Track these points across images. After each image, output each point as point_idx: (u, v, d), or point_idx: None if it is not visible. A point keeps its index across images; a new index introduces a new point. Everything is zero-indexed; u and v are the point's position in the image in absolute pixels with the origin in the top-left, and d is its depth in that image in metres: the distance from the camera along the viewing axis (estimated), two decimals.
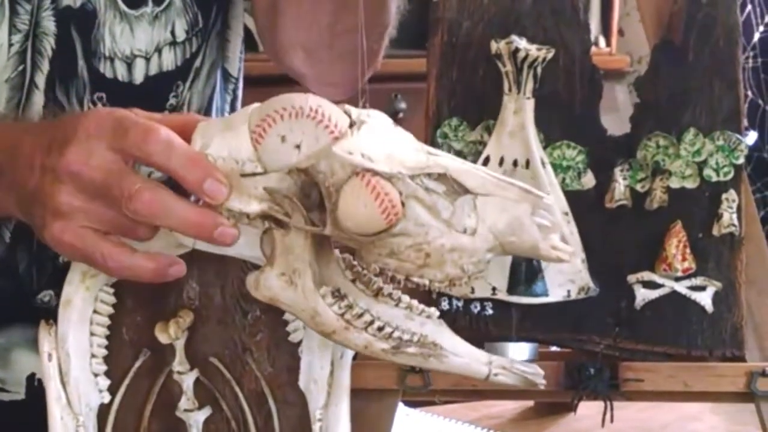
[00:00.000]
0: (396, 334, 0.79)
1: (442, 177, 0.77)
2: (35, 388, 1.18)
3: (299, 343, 0.93)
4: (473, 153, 1.04)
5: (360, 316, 0.79)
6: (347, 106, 0.79)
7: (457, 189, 0.77)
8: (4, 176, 0.88)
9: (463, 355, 0.80)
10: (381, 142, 0.79)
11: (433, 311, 0.80)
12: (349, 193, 0.76)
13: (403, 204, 0.75)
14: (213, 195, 0.78)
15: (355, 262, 0.81)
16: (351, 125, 0.78)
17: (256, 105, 0.79)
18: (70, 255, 0.84)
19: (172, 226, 0.79)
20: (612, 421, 1.04)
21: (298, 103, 0.79)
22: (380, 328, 0.79)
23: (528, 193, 0.76)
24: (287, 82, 1.33)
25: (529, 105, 1.02)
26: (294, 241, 0.80)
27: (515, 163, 1.03)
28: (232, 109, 1.36)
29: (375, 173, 0.76)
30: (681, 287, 1.01)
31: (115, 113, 0.81)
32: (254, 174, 0.79)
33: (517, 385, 0.80)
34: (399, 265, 0.77)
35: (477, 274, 0.78)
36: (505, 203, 0.78)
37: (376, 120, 0.80)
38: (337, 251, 0.82)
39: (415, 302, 0.80)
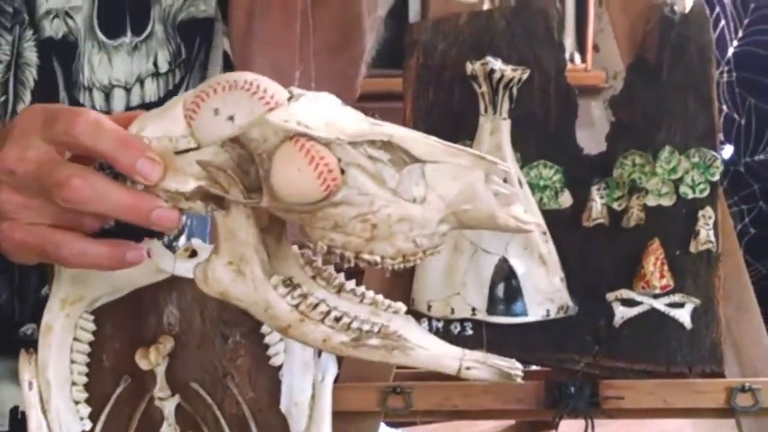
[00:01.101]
0: (355, 324, 0.76)
1: (386, 145, 0.74)
2: (19, 421, 1.17)
3: (280, 366, 0.94)
4: None
5: (315, 306, 0.76)
6: (292, 87, 0.77)
7: (403, 157, 0.74)
8: None
9: (431, 349, 0.75)
10: (320, 111, 0.76)
11: (401, 306, 0.76)
12: (281, 159, 0.73)
13: (343, 172, 0.72)
14: (146, 175, 0.77)
15: (315, 258, 0.77)
16: (290, 99, 0.76)
17: (192, 93, 0.79)
18: (24, 254, 0.83)
19: (108, 212, 0.78)
20: None
21: (232, 77, 0.78)
22: (338, 319, 0.75)
23: (481, 159, 0.73)
24: None
25: (506, 125, 1.03)
26: (237, 223, 0.77)
27: None
28: None
29: (309, 138, 0.73)
30: (659, 304, 1.02)
31: (46, 106, 0.82)
32: (188, 150, 0.77)
33: (492, 379, 0.75)
34: (346, 240, 0.73)
35: (431, 250, 0.73)
36: (457, 170, 0.74)
37: (321, 96, 0.78)
38: (295, 247, 0.78)
39: (380, 297, 0.76)
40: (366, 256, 0.73)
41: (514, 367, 0.75)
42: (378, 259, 0.72)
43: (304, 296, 0.76)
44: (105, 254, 0.81)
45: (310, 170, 0.71)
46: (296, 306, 0.75)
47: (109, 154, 0.78)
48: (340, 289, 0.77)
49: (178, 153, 0.77)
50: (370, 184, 0.72)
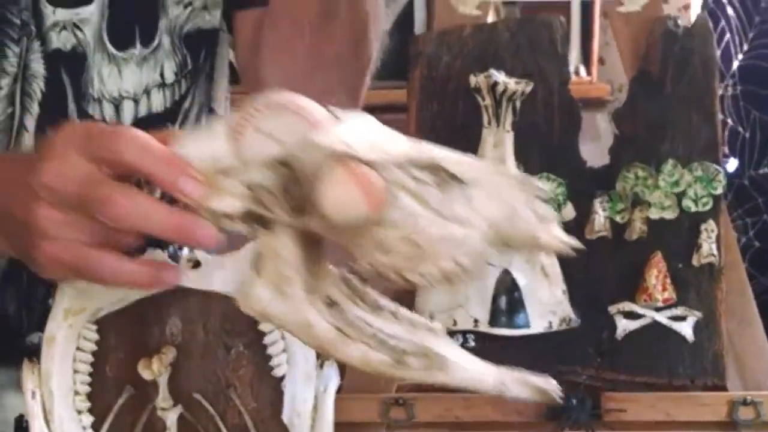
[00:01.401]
0: (394, 343, 0.75)
1: (430, 166, 0.74)
2: (24, 429, 1.12)
3: (282, 377, 0.93)
4: None
5: (355, 325, 0.76)
6: (333, 107, 0.76)
7: (447, 179, 0.74)
8: None
9: (470, 368, 0.76)
10: (363, 132, 0.76)
11: (437, 325, 0.74)
12: (329, 180, 0.72)
13: (388, 193, 0.73)
14: (189, 193, 0.76)
15: (350, 276, 0.77)
16: (332, 119, 0.76)
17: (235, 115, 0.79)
18: (58, 270, 0.81)
19: (152, 230, 0.77)
20: None
21: (276, 97, 0.77)
22: (378, 339, 0.76)
23: (522, 181, 0.74)
24: None
25: (509, 138, 1.03)
26: (280, 243, 0.76)
27: None
28: None
29: (356, 159, 0.74)
30: (662, 317, 1.02)
31: (86, 124, 0.83)
32: (233, 171, 0.78)
33: (531, 398, 0.78)
34: (390, 260, 0.73)
35: (474, 271, 0.73)
36: (499, 191, 0.74)
37: (361, 117, 0.77)
38: (332, 266, 0.79)
39: (416, 316, 0.76)
40: (409, 276, 0.72)
41: (551, 385, 0.77)
42: (421, 279, 0.71)
43: (344, 315, 0.77)
44: (141, 274, 0.81)
45: (356, 191, 0.72)
46: (337, 325, 0.76)
47: (152, 172, 0.77)
48: (375, 308, 0.78)
49: (222, 172, 0.77)
50: (414, 205, 0.72)
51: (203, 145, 0.77)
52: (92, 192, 0.77)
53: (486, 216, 0.72)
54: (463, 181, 0.72)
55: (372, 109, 1.47)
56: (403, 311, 0.75)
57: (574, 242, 0.71)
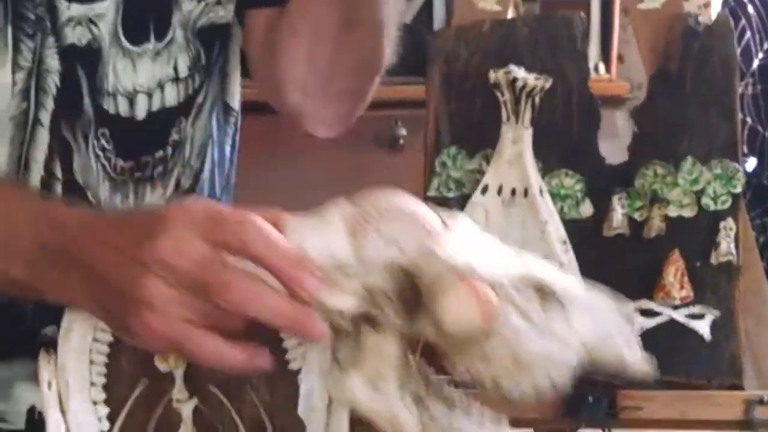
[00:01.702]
0: None
1: (536, 285, 0.78)
2: (36, 421, 1.16)
3: (299, 371, 0.93)
4: (472, 181, 1.06)
5: (438, 421, 0.80)
6: (443, 214, 0.80)
7: (549, 298, 0.79)
8: (81, 269, 0.87)
9: None
10: (477, 246, 0.80)
11: (504, 424, 0.81)
12: (451, 294, 0.76)
13: (500, 309, 0.76)
14: (308, 289, 0.78)
15: (429, 371, 0.81)
16: (446, 226, 0.80)
17: (344, 200, 0.80)
18: (158, 344, 0.84)
19: (266, 319, 0.79)
20: None
21: (394, 201, 0.81)
22: None
23: (616, 305, 0.79)
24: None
25: (528, 134, 1.03)
26: (386, 342, 0.80)
27: (513, 192, 1.04)
28: (233, 141, 1.36)
29: (477, 277, 0.77)
30: (679, 315, 1.02)
31: (207, 204, 0.84)
32: (352, 270, 0.80)
33: None
34: (490, 370, 0.78)
35: (563, 388, 0.78)
36: (594, 312, 0.80)
37: (463, 223, 0.82)
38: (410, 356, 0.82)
39: (486, 411, 0.80)
40: (504, 386, 0.77)
41: None
42: (516, 390, 0.77)
43: (429, 412, 0.80)
44: (239, 360, 0.82)
45: (475, 307, 0.75)
46: (423, 421, 0.79)
47: (276, 266, 0.79)
48: (451, 403, 0.81)
49: (340, 269, 0.79)
50: (519, 320, 0.76)
51: (321, 237, 0.80)
52: (212, 276, 0.79)
53: (582, 336, 0.78)
54: (562, 300, 0.78)
55: (392, 105, 1.47)
56: (475, 406, 0.81)
57: (652, 369, 0.79)
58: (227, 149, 1.33)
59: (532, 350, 0.76)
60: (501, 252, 0.79)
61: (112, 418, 0.93)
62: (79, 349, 0.93)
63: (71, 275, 0.87)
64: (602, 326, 0.79)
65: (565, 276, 0.79)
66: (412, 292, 0.78)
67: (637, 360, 0.79)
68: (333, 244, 0.79)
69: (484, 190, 1.05)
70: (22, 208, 0.94)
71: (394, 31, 1.19)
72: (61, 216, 0.91)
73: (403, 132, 2.45)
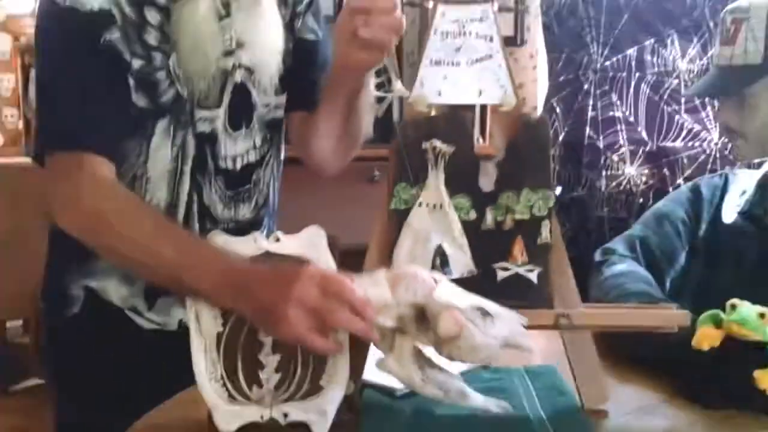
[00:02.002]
0: (444, 386, 0.93)
1: (479, 307, 0.90)
2: (183, 326, 1.19)
3: None
4: (413, 201, 1.04)
5: (430, 377, 0.93)
6: (434, 275, 0.94)
7: (486, 314, 0.90)
8: (248, 297, 0.92)
9: (476, 397, 0.94)
10: (453, 291, 0.92)
11: (456, 373, 0.96)
12: (444, 319, 0.89)
13: (465, 323, 0.89)
14: (368, 317, 0.89)
15: (422, 349, 0.94)
16: (436, 282, 0.92)
17: (386, 271, 0.93)
18: (291, 341, 0.91)
19: (353, 330, 0.90)
20: None
21: (412, 271, 0.93)
22: (438, 383, 0.93)
23: (518, 316, 0.91)
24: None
25: (441, 176, 1.04)
26: (406, 342, 0.93)
27: (434, 206, 1.04)
28: (279, 181, 1.37)
29: (457, 309, 0.89)
30: (521, 270, 1.04)
31: (321, 271, 0.91)
32: (392, 305, 0.92)
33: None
34: (459, 354, 0.90)
35: (492, 360, 0.94)
36: (506, 321, 0.91)
37: (444, 280, 0.94)
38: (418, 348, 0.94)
39: (451, 369, 0.94)
40: (466, 361, 0.92)
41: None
42: (469, 362, 0.94)
43: (426, 372, 0.93)
44: (329, 348, 0.91)
45: (452, 323, 0.88)
46: (423, 378, 0.92)
47: (357, 308, 0.89)
48: (434, 366, 0.94)
49: (385, 305, 0.91)
50: (475, 330, 0.89)
51: (375, 289, 0.92)
52: (326, 309, 0.89)
53: (502, 333, 0.90)
54: (492, 315, 0.90)
55: (371, 159, 1.50)
56: (446, 367, 0.94)
57: (533, 345, 0.92)
58: (277, 184, 1.35)
59: (479, 342, 0.90)
60: (460, 292, 0.92)
61: (224, 324, 0.98)
62: None
63: (240, 296, 0.93)
64: (510, 327, 0.92)
65: (495, 304, 0.91)
66: (422, 316, 0.91)
67: (525, 341, 0.91)
68: (382, 293, 0.92)
69: (419, 204, 1.04)
70: (207, 247, 1.00)
71: (369, 122, 1.26)
72: (233, 259, 0.97)
73: (377, 173, 2.47)
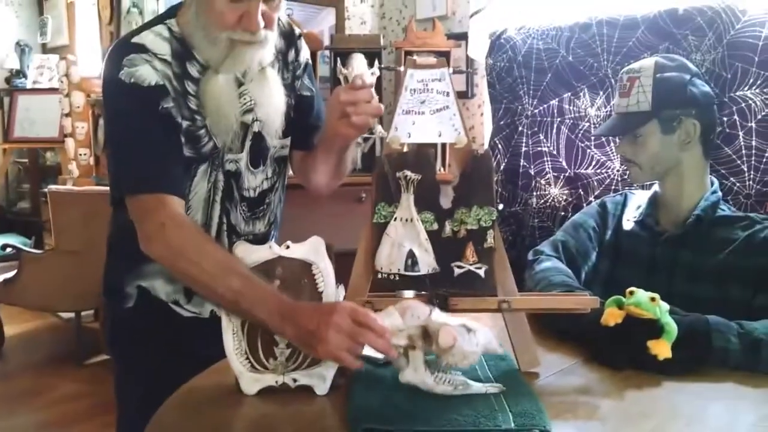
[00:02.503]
0: (453, 383, 0.92)
1: (464, 325, 0.91)
2: (213, 314, 1.21)
3: (321, 291, 1.01)
4: (390, 216, 1.04)
5: (440, 378, 0.91)
6: (429, 306, 0.93)
7: (470, 329, 0.91)
8: (294, 324, 0.91)
9: (475, 385, 0.93)
10: (444, 315, 0.93)
11: (461, 375, 0.93)
12: (442, 333, 0.89)
13: (456, 337, 0.89)
14: (388, 340, 0.89)
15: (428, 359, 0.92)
16: (430, 309, 0.92)
17: (394, 307, 0.93)
18: (327, 357, 0.90)
19: (376, 348, 0.89)
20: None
21: (414, 303, 0.94)
22: (447, 380, 0.92)
23: (488, 329, 0.93)
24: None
25: (411, 197, 1.05)
26: (418, 353, 0.92)
27: (406, 220, 1.04)
28: (283, 203, 1.34)
29: (448, 326, 0.90)
30: (473, 268, 1.04)
31: (351, 305, 0.90)
32: (403, 329, 0.91)
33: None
34: (454, 360, 0.89)
35: (473, 362, 0.90)
36: (482, 333, 0.92)
37: (436, 309, 0.93)
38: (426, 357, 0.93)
39: (454, 378, 0.92)
40: (458, 365, 0.90)
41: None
42: (462, 365, 0.89)
43: (435, 375, 0.91)
44: (351, 363, 0.89)
45: (451, 338, 0.89)
46: (435, 380, 0.91)
47: (378, 334, 0.88)
48: (440, 368, 0.92)
49: (398, 328, 0.91)
50: (464, 340, 0.89)
51: (390, 319, 0.91)
52: (357, 333, 0.88)
53: (481, 342, 0.91)
54: (473, 330, 0.91)
55: (358, 184, 1.48)
56: (446, 371, 0.92)
57: (500, 349, 0.92)
58: (281, 205, 1.33)
59: (468, 350, 0.90)
60: (448, 315, 0.93)
61: None
62: None
63: (287, 322, 0.92)
64: (486, 337, 0.92)
65: (476, 322, 0.92)
66: (426, 334, 0.91)
67: (497, 347, 0.92)
68: (395, 321, 0.91)
69: (395, 219, 1.05)
70: (263, 284, 0.97)
71: (357, 157, 1.26)
72: (285, 299, 0.95)
73: (363, 195, 2.42)
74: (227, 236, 1.22)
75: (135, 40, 1.09)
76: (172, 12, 1.14)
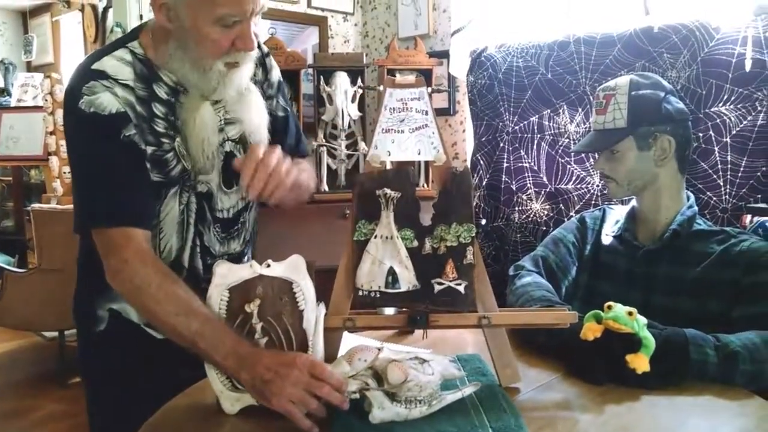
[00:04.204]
0: (425, 403, 0.91)
1: (417, 358, 0.93)
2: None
3: (302, 309, 1.00)
4: (370, 233, 1.04)
5: (412, 404, 0.91)
6: (378, 346, 0.95)
7: (423, 360, 0.93)
8: (250, 370, 0.91)
9: (448, 396, 0.94)
10: (395, 351, 0.95)
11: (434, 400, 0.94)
12: (390, 371, 0.90)
13: (408, 371, 0.90)
14: (342, 389, 0.89)
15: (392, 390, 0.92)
16: (379, 349, 0.94)
17: (343, 356, 0.93)
18: (279, 408, 0.88)
19: (329, 400, 0.88)
20: (426, 337, 1.09)
21: (361, 346, 0.94)
22: (418, 404, 0.91)
23: (443, 357, 0.95)
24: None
25: (391, 214, 1.04)
26: (377, 395, 0.91)
27: (386, 237, 1.03)
28: (257, 221, 1.33)
29: (396, 362, 0.91)
30: (452, 284, 1.03)
31: (310, 360, 0.90)
32: (352, 375, 0.92)
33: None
34: (412, 394, 0.90)
35: (435, 394, 0.92)
36: (440, 361, 0.94)
37: (387, 345, 0.96)
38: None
39: (423, 395, 0.92)
40: (416, 397, 0.90)
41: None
42: (419, 396, 0.90)
43: (408, 405, 0.91)
44: (304, 423, 0.88)
45: (401, 373, 0.90)
46: (406, 408, 0.91)
47: (334, 385, 0.88)
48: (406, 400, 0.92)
49: (349, 375, 0.91)
50: (417, 373, 0.91)
51: (338, 368, 0.91)
52: (313, 386, 0.88)
53: (438, 370, 0.93)
54: (427, 360, 0.93)
55: (341, 201, 1.48)
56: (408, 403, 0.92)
57: (458, 372, 0.95)
58: (256, 223, 1.32)
59: (424, 381, 0.91)
60: (401, 349, 0.99)
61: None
62: (216, 304, 1.00)
63: (243, 368, 0.92)
64: (442, 365, 0.94)
65: (429, 352, 0.95)
66: (377, 374, 0.92)
67: (455, 372, 0.95)
68: (343, 367, 0.91)
69: (375, 236, 1.04)
70: (223, 326, 0.96)
71: (314, 178, 1.24)
72: (244, 344, 0.94)
73: (347, 212, 2.50)
74: (201, 258, 1.19)
75: (95, 66, 1.06)
76: (133, 35, 1.11)
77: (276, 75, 1.28)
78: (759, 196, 1.55)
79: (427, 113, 1.07)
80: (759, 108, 1.55)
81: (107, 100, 1.04)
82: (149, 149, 1.08)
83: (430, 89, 1.07)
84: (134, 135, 1.06)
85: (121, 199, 1.05)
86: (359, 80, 2.53)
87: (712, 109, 1.64)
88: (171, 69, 1.09)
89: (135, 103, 1.07)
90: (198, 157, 1.11)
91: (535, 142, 2.07)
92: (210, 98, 1.10)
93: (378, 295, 1.04)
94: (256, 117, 1.17)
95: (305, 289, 1.01)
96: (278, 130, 1.27)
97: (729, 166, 1.60)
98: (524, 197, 2.10)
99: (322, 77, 2.52)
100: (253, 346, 0.94)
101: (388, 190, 1.05)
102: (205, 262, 1.19)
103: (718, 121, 1.63)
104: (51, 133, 3.60)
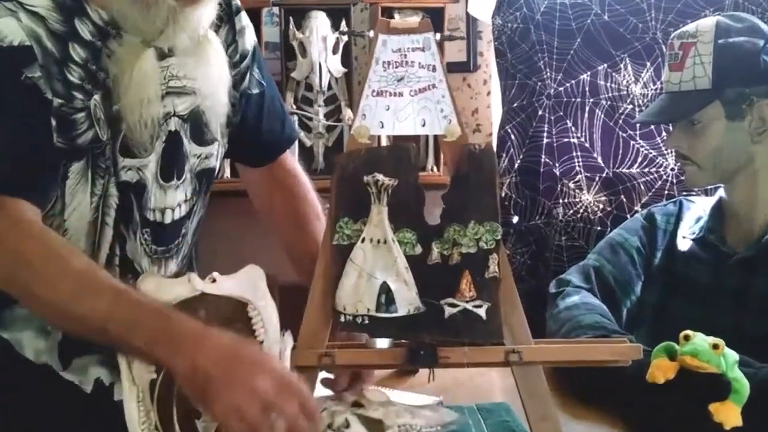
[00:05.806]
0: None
1: (404, 407, 1.06)
2: (101, 386, 1.17)
3: (262, 341, 1.02)
4: (356, 236, 1.06)
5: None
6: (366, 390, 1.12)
7: (393, 403, 1.06)
8: (186, 359, 0.91)
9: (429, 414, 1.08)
10: (381, 395, 1.11)
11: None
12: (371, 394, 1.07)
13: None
14: (316, 418, 0.92)
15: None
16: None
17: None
18: (221, 419, 0.90)
19: (294, 428, 0.89)
20: (434, 379, 1.09)
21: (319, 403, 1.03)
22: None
23: (433, 398, 1.10)
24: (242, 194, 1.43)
25: (384, 210, 1.05)
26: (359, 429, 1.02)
27: (378, 241, 1.05)
28: (197, 232, 1.36)
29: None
30: (469, 306, 1.04)
31: (282, 367, 0.95)
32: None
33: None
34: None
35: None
36: (423, 410, 1.05)
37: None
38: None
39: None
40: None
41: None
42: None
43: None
44: None
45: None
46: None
47: (304, 406, 0.90)
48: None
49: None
50: (403, 413, 1.03)
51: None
52: (279, 408, 0.88)
53: (425, 419, 1.03)
54: (394, 404, 1.04)
55: (319, 190, 1.53)
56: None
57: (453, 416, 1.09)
58: (197, 234, 1.34)
59: (401, 423, 1.01)
60: (389, 394, 1.08)
61: (158, 371, 0.97)
62: None
63: (180, 356, 0.92)
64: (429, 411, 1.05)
65: (406, 393, 1.08)
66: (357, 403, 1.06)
67: (453, 416, 1.07)
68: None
69: (362, 240, 1.05)
70: (143, 299, 0.98)
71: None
72: (182, 318, 0.95)
73: (326, 206, 2.53)
74: (120, 273, 1.19)
75: None
76: None
77: (250, 40, 1.30)
78: None
79: (435, 69, 1.07)
80: None
81: (8, 28, 1.03)
82: (56, 101, 1.07)
83: (439, 36, 1.07)
84: (38, 79, 1.05)
85: (6, 160, 1.05)
86: (343, 23, 2.51)
87: None
88: (107, 8, 1.10)
89: (44, 38, 1.06)
90: (134, 124, 1.11)
91: (587, 109, 2.07)
92: (153, 45, 1.11)
93: (367, 321, 1.05)
94: (213, 75, 1.18)
95: (265, 312, 1.01)
96: (251, 115, 1.29)
97: None
98: (571, 185, 2.10)
99: (291, 19, 2.50)
100: (195, 320, 0.95)
101: (380, 176, 1.05)
102: (125, 281, 1.14)
103: None
104: None
